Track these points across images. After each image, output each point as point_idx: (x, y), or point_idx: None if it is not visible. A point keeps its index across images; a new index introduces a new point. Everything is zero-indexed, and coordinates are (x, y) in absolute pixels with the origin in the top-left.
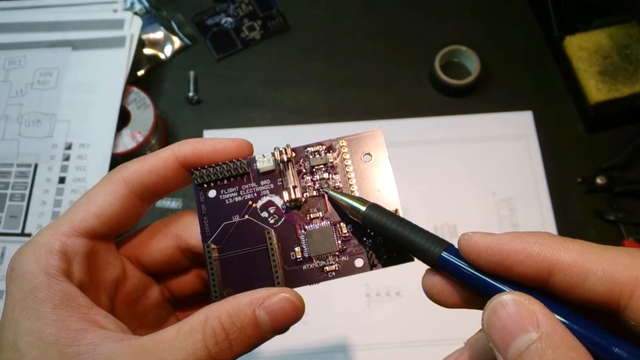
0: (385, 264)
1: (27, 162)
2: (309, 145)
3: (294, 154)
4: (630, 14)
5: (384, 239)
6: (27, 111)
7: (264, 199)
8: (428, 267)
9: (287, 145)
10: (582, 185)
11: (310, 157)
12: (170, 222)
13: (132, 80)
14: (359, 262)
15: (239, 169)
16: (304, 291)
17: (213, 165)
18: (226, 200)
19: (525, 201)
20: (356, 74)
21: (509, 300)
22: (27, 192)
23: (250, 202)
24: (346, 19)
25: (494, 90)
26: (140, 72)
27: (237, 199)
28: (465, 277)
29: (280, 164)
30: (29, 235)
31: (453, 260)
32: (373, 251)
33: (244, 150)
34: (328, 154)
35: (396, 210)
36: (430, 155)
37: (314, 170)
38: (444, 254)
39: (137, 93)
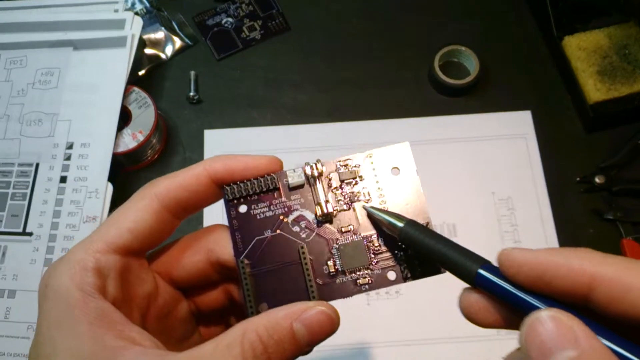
0: (418, 276)
1: (28, 161)
2: (338, 159)
3: (323, 168)
4: (628, 14)
5: (420, 254)
6: (28, 111)
7: (295, 214)
8: (465, 286)
9: (317, 160)
10: (580, 185)
11: (340, 170)
12: (201, 236)
13: (133, 80)
14: (391, 275)
15: (270, 184)
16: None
17: (244, 180)
18: (257, 215)
19: (524, 200)
20: (356, 74)
21: (547, 317)
22: (28, 191)
23: (281, 217)
24: (346, 20)
25: (493, 90)
26: (141, 72)
27: (269, 213)
28: (504, 293)
29: (311, 179)
30: (30, 234)
31: (490, 277)
32: (405, 263)
33: (274, 166)
34: (357, 168)
35: (427, 224)
36: (429, 155)
37: (344, 183)
38: (481, 271)
39: (138, 93)
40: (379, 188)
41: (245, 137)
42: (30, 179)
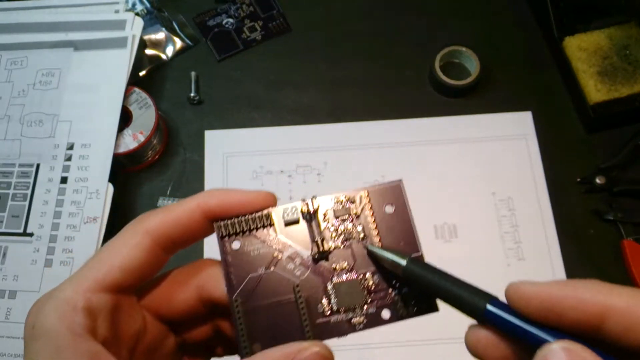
0: (412, 314)
1: (29, 162)
2: (333, 196)
3: (318, 205)
4: (629, 14)
5: (424, 291)
6: (29, 111)
7: (290, 251)
8: (470, 323)
9: (313, 197)
10: (581, 185)
11: (335, 208)
12: (192, 271)
13: (133, 81)
14: (385, 314)
15: (264, 221)
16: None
17: (237, 216)
18: (251, 252)
19: (524, 201)
20: (357, 74)
21: (559, 348)
22: (29, 192)
23: (275, 254)
24: (347, 20)
25: (494, 90)
26: (142, 73)
27: (262, 250)
28: (513, 328)
29: (306, 215)
30: (30, 235)
31: (499, 312)
32: (399, 302)
33: (268, 202)
34: (351, 205)
35: (421, 257)
36: (429, 155)
37: (339, 220)
38: (490, 307)
39: (138, 93)
40: (371, 224)
41: (245, 138)
42: (31, 180)
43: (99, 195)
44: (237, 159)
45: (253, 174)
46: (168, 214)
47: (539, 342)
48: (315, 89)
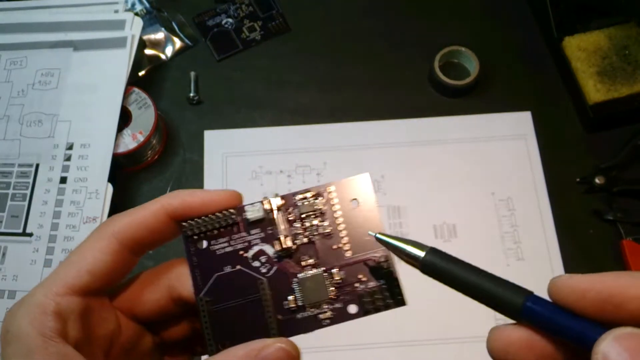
0: (379, 309)
1: (28, 162)
2: (298, 193)
3: (282, 202)
4: (629, 15)
5: (449, 286)
6: (28, 111)
7: (255, 248)
8: (494, 325)
9: (276, 194)
10: (580, 185)
11: (299, 204)
12: (162, 272)
13: (133, 81)
14: (352, 309)
15: (229, 219)
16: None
17: (203, 216)
18: (217, 251)
19: (524, 201)
20: (356, 74)
21: (626, 334)
22: (28, 192)
23: (241, 252)
24: (346, 20)
25: (493, 90)
26: (141, 73)
27: (228, 249)
28: (561, 325)
29: (270, 213)
30: (30, 235)
31: (541, 309)
32: (366, 297)
33: (233, 201)
34: (316, 200)
35: (386, 257)
36: (429, 155)
37: (303, 217)
38: (530, 303)
39: (138, 93)
40: (337, 219)
41: (245, 138)
42: (30, 180)
43: (99, 196)
44: (237, 159)
45: (252, 174)
46: (133, 217)
47: (591, 338)
48: (314, 89)
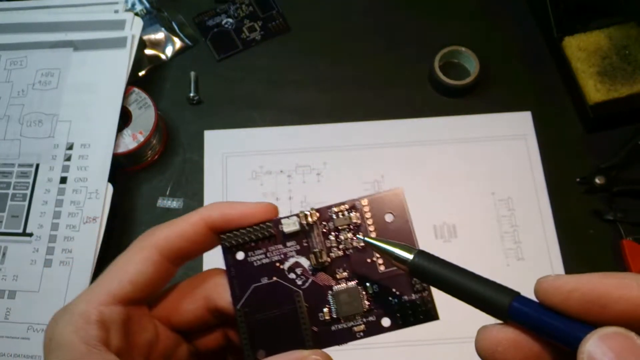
0: (411, 323)
1: (28, 162)
2: (333, 206)
3: (318, 215)
4: (629, 15)
5: (438, 288)
6: (28, 111)
7: (291, 260)
8: (483, 324)
9: (312, 209)
10: (580, 185)
11: (334, 217)
12: (199, 282)
13: (133, 81)
14: (385, 322)
15: (266, 232)
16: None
17: (240, 228)
18: (254, 263)
19: (524, 201)
20: (356, 74)
21: (613, 333)
22: (28, 192)
23: (277, 264)
24: (346, 20)
25: (493, 90)
26: (141, 73)
27: (265, 260)
28: (548, 325)
29: (306, 226)
30: (30, 235)
31: (528, 309)
32: (399, 311)
33: (269, 214)
34: (351, 214)
35: None
36: (429, 155)
37: (338, 230)
38: (516, 303)
39: (138, 93)
40: (372, 233)
41: (245, 138)
42: (30, 180)
43: (99, 195)
44: (237, 158)
45: (252, 174)
46: (174, 228)
47: (577, 338)
48: (314, 88)
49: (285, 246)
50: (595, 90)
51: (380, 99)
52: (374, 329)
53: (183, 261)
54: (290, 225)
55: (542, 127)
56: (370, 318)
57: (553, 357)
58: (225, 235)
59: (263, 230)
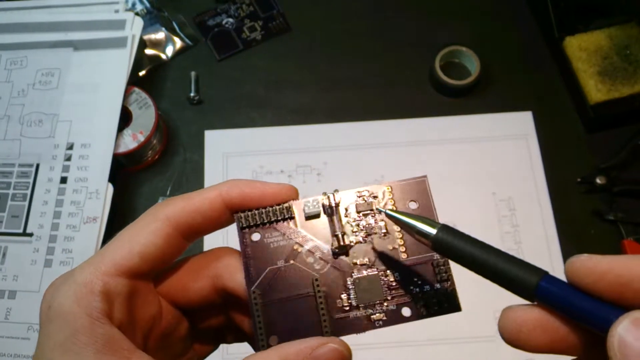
0: (433, 313)
1: (28, 162)
2: (357, 190)
3: (340, 199)
4: (630, 14)
5: (461, 265)
6: (28, 111)
7: (310, 244)
8: (508, 305)
9: (335, 190)
10: (581, 185)
11: (357, 202)
12: (208, 260)
13: (133, 81)
14: (406, 312)
15: (285, 213)
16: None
17: (258, 208)
18: (271, 244)
19: (524, 201)
20: (357, 74)
21: None
22: (28, 192)
23: (295, 247)
24: (347, 20)
25: (494, 90)
26: (142, 73)
27: (282, 243)
28: (577, 307)
29: (327, 209)
30: (30, 235)
31: (557, 289)
32: (421, 300)
33: (290, 195)
34: (374, 200)
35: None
36: (430, 155)
37: (361, 215)
38: (544, 283)
39: (138, 93)
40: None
41: (245, 138)
42: (31, 180)
43: (99, 195)
44: (237, 158)
45: (253, 174)
46: (189, 202)
47: (607, 321)
48: (315, 88)
49: (304, 229)
50: (596, 90)
51: (380, 99)
52: (393, 319)
53: (195, 237)
54: (311, 208)
55: (542, 127)
56: (390, 307)
57: (581, 341)
58: (242, 214)
59: (282, 211)
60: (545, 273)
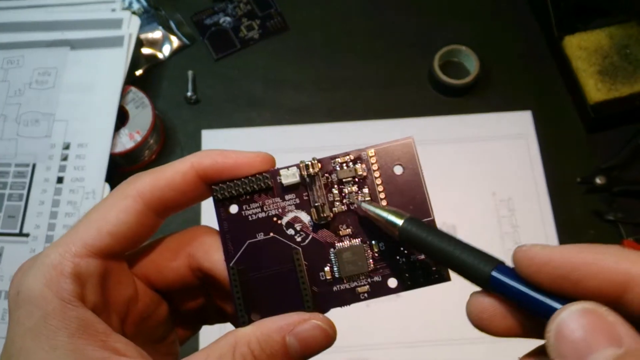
0: (421, 284)
1: (25, 162)
2: (336, 156)
3: (320, 166)
4: (629, 13)
5: (425, 255)
6: (25, 111)
7: (290, 215)
8: (474, 290)
9: (314, 159)
10: (581, 185)
11: (338, 169)
12: (183, 239)
13: (130, 80)
14: (392, 282)
15: (262, 184)
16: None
17: (234, 179)
18: (249, 217)
19: (524, 201)
20: (355, 73)
21: (583, 310)
22: (25, 192)
23: (275, 219)
24: (345, 19)
25: (494, 90)
26: (139, 72)
27: (261, 215)
28: (522, 297)
29: (306, 178)
30: (26, 235)
31: (506, 280)
32: (407, 271)
33: (267, 164)
34: (356, 165)
35: (432, 222)
36: (429, 155)
37: (342, 183)
38: (495, 273)
39: (135, 93)
40: (378, 187)
41: (243, 138)
42: (27, 180)
43: (96, 196)
44: None
45: None
46: (160, 175)
47: (550, 311)
48: (313, 88)
49: (283, 199)
50: (595, 90)
51: (379, 98)
52: (379, 290)
53: (169, 212)
54: (289, 177)
55: (542, 127)
56: (376, 278)
57: (537, 328)
58: (218, 186)
59: (259, 182)
60: (500, 263)
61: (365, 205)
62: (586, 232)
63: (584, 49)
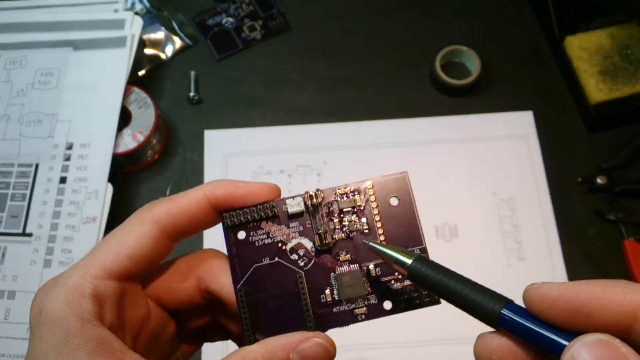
0: (414, 306)
1: (28, 162)
2: (337, 188)
3: (322, 196)
4: (630, 13)
5: (434, 293)
6: (28, 111)
7: (294, 242)
8: (481, 332)
9: (317, 189)
10: (582, 185)
11: (339, 199)
12: (193, 262)
13: (133, 80)
14: (387, 305)
15: (269, 212)
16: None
17: (243, 207)
18: (256, 243)
19: (525, 201)
20: (357, 74)
21: (598, 341)
22: (28, 192)
23: (280, 245)
24: (347, 19)
25: (495, 90)
26: (141, 72)
27: (267, 241)
28: (534, 334)
29: (310, 207)
30: (29, 235)
31: (516, 318)
32: (401, 294)
33: (273, 194)
34: (355, 197)
35: (423, 250)
36: (430, 155)
37: (343, 212)
38: (505, 311)
39: (138, 93)
40: (375, 216)
41: (245, 138)
42: (30, 180)
43: (98, 196)
44: (237, 158)
45: (253, 174)
46: (175, 203)
47: (560, 346)
48: (315, 88)
49: (288, 227)
50: (597, 90)
51: (381, 99)
52: (375, 312)
53: (182, 237)
54: (294, 206)
55: (543, 127)
56: (372, 301)
57: None
58: (228, 213)
59: (266, 210)
60: (509, 302)
61: (374, 246)
62: (587, 232)
63: (585, 49)
